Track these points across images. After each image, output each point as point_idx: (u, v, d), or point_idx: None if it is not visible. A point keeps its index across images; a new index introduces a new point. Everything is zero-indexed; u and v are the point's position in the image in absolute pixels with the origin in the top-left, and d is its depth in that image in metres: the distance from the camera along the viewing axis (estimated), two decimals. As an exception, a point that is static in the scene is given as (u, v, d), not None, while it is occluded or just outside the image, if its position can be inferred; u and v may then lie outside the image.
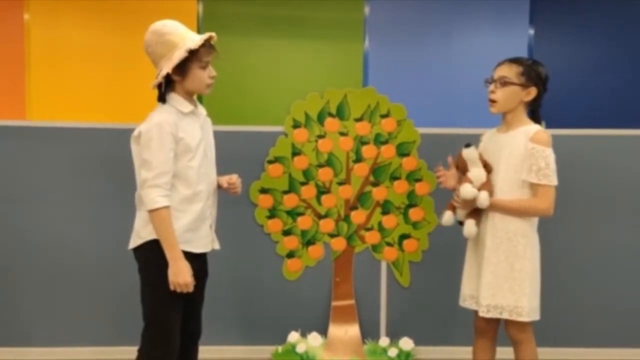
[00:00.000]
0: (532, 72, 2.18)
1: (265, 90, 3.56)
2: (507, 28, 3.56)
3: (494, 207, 2.17)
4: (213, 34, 2.00)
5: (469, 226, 2.23)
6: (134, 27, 3.30)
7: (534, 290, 2.17)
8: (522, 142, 2.14)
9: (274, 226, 3.09)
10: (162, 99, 2.01)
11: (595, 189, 3.07)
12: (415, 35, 3.58)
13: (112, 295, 3.02)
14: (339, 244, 3.11)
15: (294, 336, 3.06)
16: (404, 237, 3.12)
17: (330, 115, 3.07)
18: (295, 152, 3.06)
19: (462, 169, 2.26)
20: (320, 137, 3.07)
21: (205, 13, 3.54)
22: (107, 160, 2.98)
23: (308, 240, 3.10)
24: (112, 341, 3.04)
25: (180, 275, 1.92)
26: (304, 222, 3.09)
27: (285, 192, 3.07)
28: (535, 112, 2.24)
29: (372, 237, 3.12)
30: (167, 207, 1.92)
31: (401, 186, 3.10)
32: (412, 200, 3.10)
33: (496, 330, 2.32)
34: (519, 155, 2.15)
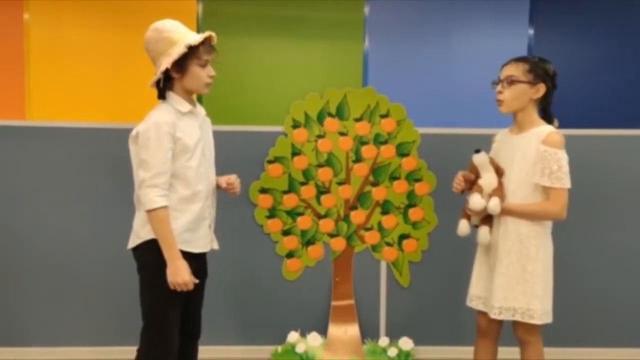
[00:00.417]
0: (539, 68, 2.14)
1: (265, 90, 3.55)
2: (507, 28, 3.56)
3: (506, 212, 2.13)
4: (213, 33, 2.01)
5: (483, 234, 2.20)
6: (134, 27, 3.30)
7: (546, 292, 2.15)
8: (534, 144, 2.10)
9: (274, 226, 3.09)
10: (161, 95, 2.01)
11: (595, 189, 3.07)
12: (415, 35, 3.58)
13: (112, 295, 3.03)
14: (338, 244, 3.11)
15: (293, 336, 3.07)
16: (403, 237, 3.12)
17: (330, 115, 3.07)
18: (295, 152, 3.06)
19: (474, 174, 2.22)
20: (320, 137, 3.07)
21: (205, 13, 3.53)
22: (107, 160, 2.98)
23: (308, 240, 3.10)
24: (112, 341, 3.04)
25: (179, 275, 1.92)
26: (304, 222, 3.09)
27: (285, 192, 3.07)
28: (546, 111, 2.20)
29: (372, 237, 3.11)
30: (165, 207, 1.92)
31: (401, 186, 3.10)
32: (411, 200, 3.10)
33: (499, 330, 2.30)
34: (531, 159, 2.10)
